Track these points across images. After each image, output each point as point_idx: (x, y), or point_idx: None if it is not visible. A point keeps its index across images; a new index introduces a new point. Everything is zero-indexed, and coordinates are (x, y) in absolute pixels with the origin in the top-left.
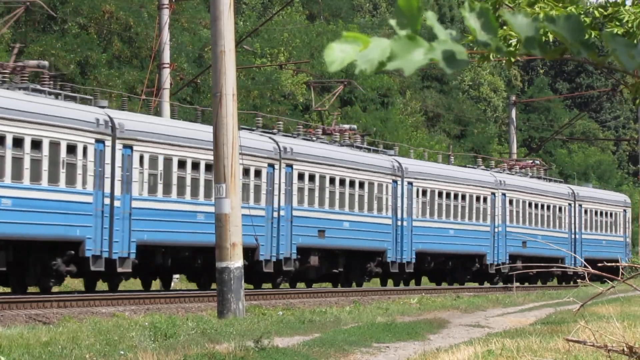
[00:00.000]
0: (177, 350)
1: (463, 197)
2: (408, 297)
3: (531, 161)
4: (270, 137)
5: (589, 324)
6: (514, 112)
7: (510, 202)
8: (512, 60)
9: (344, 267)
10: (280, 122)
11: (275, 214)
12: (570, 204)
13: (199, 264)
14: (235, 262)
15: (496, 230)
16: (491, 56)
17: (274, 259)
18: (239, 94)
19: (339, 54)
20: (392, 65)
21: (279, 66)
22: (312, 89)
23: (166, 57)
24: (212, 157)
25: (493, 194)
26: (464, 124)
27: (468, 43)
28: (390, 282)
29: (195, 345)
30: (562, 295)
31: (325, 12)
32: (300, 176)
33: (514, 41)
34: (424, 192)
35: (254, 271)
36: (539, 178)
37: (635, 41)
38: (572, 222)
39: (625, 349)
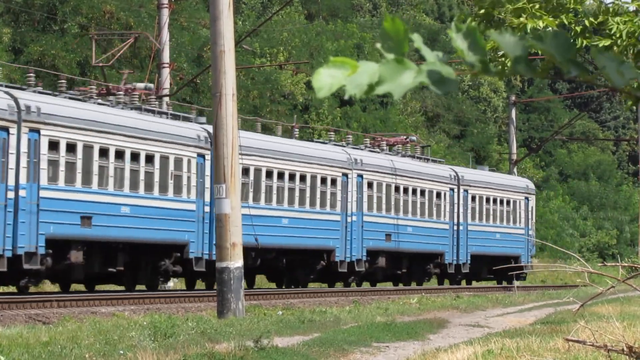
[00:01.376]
0: (176, 350)
1: (303, 178)
2: (408, 297)
3: (404, 137)
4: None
5: (589, 324)
6: (513, 112)
7: (370, 185)
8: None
9: (127, 265)
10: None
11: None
12: (452, 189)
13: None
14: (235, 262)
15: (349, 220)
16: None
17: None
18: (239, 93)
19: (327, 79)
20: (381, 90)
21: (279, 66)
22: (95, 43)
23: (166, 56)
24: None
25: (345, 175)
26: (463, 124)
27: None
28: (199, 283)
29: (195, 345)
30: (562, 295)
31: (324, 11)
32: (53, 145)
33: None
34: (246, 171)
35: None
36: (414, 157)
37: (624, 53)
38: (455, 210)
39: (625, 348)
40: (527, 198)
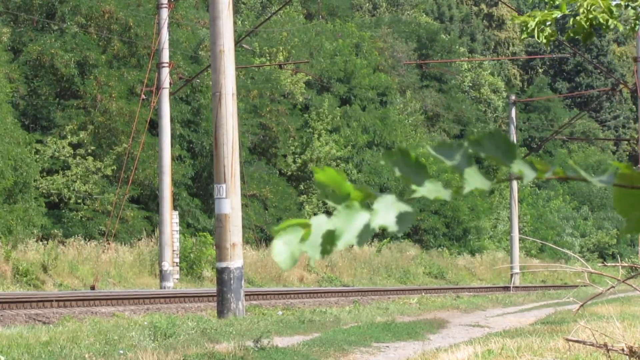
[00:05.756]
0: (177, 350)
1: None
2: (408, 297)
3: None
4: None
5: (589, 324)
6: (513, 112)
7: None
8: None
9: None
10: None
11: None
12: None
13: None
14: (235, 262)
15: None
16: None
17: None
18: (239, 93)
19: (284, 248)
20: (342, 244)
21: (279, 66)
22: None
23: (165, 56)
24: None
25: None
26: (463, 123)
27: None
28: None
29: (194, 345)
30: (562, 295)
31: (323, 10)
32: None
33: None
34: None
35: None
36: None
37: None
38: None
39: (625, 348)
40: None
